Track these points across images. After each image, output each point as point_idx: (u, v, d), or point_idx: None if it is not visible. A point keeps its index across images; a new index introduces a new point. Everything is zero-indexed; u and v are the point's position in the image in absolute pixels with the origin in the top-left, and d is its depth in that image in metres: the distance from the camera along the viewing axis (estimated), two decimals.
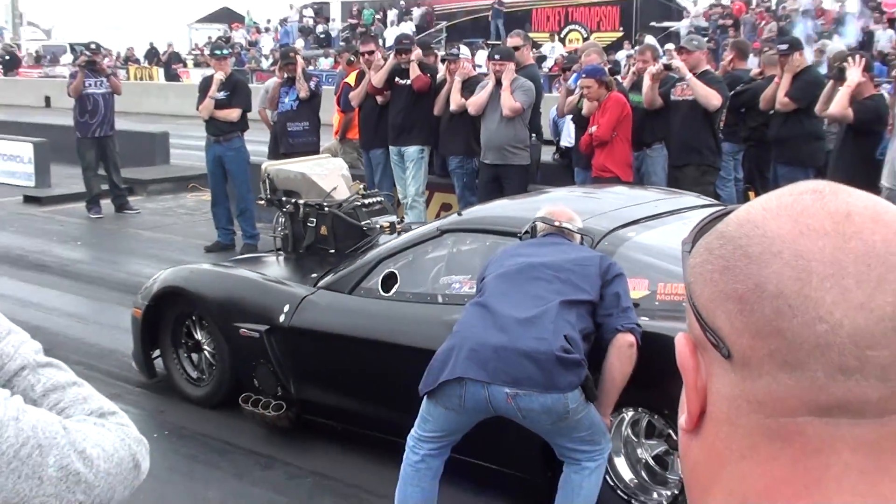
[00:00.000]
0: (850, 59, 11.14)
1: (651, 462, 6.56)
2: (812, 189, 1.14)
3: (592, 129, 12.33)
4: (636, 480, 6.53)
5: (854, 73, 10.68)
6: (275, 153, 15.77)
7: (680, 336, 1.20)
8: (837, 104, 10.65)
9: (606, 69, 13.13)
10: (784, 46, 12.74)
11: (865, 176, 10.35)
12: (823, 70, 13.90)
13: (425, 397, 6.07)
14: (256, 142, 17.49)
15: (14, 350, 2.34)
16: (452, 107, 13.69)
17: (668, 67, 12.64)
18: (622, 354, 5.98)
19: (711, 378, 1.16)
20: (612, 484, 6.50)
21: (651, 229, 7.19)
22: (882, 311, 1.05)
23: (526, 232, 6.70)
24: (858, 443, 1.07)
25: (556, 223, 6.68)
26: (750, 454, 1.12)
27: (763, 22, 41.04)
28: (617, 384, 6.01)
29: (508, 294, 6.16)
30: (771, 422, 1.10)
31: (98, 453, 2.20)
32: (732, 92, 13.15)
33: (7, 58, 62.25)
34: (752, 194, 13.72)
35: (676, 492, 6.31)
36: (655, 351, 6.24)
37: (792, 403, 1.08)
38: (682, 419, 1.20)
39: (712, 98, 11.92)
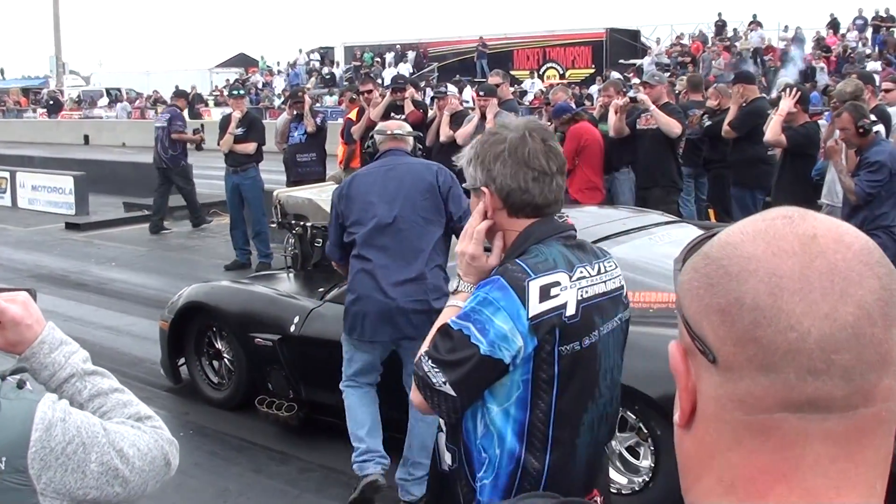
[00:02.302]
0: (784, 90, 11.27)
1: (624, 453, 6.51)
2: (783, 215, 1.19)
3: None
4: (612, 470, 6.46)
5: (784, 104, 10.78)
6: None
7: (672, 344, 1.25)
8: (770, 131, 10.80)
9: (572, 103, 13.19)
10: (731, 78, 12.97)
11: (803, 194, 10.54)
12: None
13: (347, 342, 6.85)
14: (271, 171, 17.48)
15: (65, 360, 2.45)
16: (442, 138, 13.72)
17: (633, 100, 12.71)
18: None
19: (700, 380, 1.20)
20: None
21: (621, 244, 7.14)
22: (844, 321, 1.10)
23: (368, 147, 7.15)
24: (828, 435, 1.12)
25: (389, 132, 7.05)
26: (735, 446, 1.16)
27: (719, 58, 41.24)
28: None
29: (382, 255, 6.56)
30: (752, 418, 1.14)
31: (134, 452, 2.30)
32: (707, 124, 13.27)
33: (51, 102, 62.59)
34: (711, 212, 13.76)
35: (647, 478, 6.27)
36: (629, 353, 6.23)
37: (769, 402, 1.12)
38: (676, 416, 1.26)
39: (674, 127, 12.01)
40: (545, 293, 3.10)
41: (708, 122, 13.40)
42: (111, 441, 2.25)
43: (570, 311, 3.16)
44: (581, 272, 3.27)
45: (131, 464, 2.28)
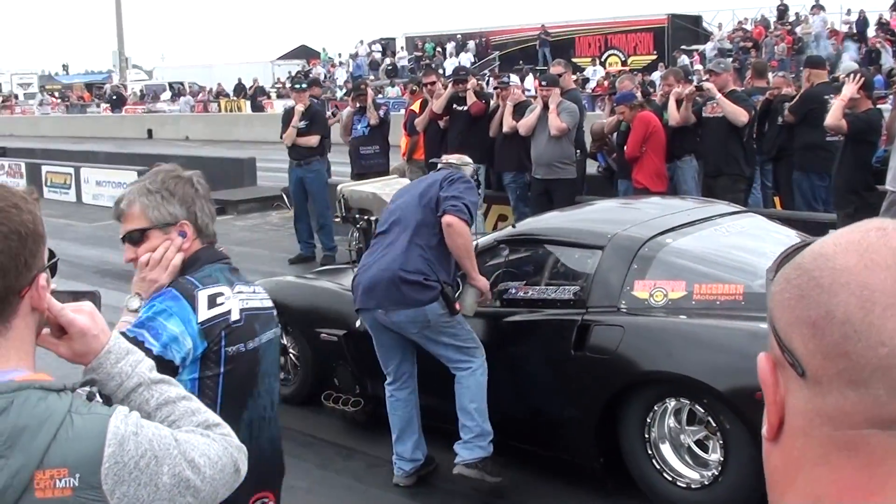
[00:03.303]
0: (848, 76, 11.11)
1: (693, 446, 6.47)
2: (877, 227, 1.17)
3: (625, 147, 12.48)
4: (680, 464, 6.44)
5: (847, 89, 10.61)
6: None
7: (762, 356, 1.22)
8: (831, 116, 10.61)
9: (638, 93, 13.13)
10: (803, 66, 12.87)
11: (863, 181, 10.57)
12: None
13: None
14: (337, 163, 17.51)
15: (132, 369, 2.42)
16: (505, 128, 13.75)
17: (699, 88, 12.64)
18: (447, 233, 6.70)
19: (788, 393, 1.19)
20: (658, 467, 6.43)
21: (686, 235, 7.10)
22: None
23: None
24: None
25: (446, 161, 7.53)
26: (822, 462, 1.14)
27: (781, 43, 40.81)
28: (460, 255, 6.81)
29: (383, 236, 7.06)
30: (840, 434, 1.12)
31: (205, 462, 2.30)
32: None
33: (115, 97, 63.15)
34: (777, 199, 13.65)
35: (716, 472, 6.20)
36: (695, 345, 6.22)
37: (857, 418, 1.10)
38: (764, 430, 1.23)
39: (740, 115, 11.94)
40: (212, 301, 3.49)
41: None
42: (182, 452, 2.24)
43: (235, 316, 3.54)
44: (239, 288, 3.65)
45: (202, 473, 2.27)
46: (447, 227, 6.67)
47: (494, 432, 6.94)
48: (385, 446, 7.77)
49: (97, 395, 2.27)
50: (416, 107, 16.08)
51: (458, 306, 6.82)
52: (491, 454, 6.81)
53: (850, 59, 29.30)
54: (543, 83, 13.37)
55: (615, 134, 13.62)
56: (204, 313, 3.46)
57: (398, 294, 6.71)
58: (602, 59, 48.40)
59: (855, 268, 1.12)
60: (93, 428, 2.13)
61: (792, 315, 1.16)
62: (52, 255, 2.28)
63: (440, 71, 28.72)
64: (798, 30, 42.37)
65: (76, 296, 2.44)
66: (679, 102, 12.68)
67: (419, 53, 54.91)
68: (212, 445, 2.36)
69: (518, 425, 7.10)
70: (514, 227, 8.13)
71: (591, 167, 15.95)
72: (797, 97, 12.33)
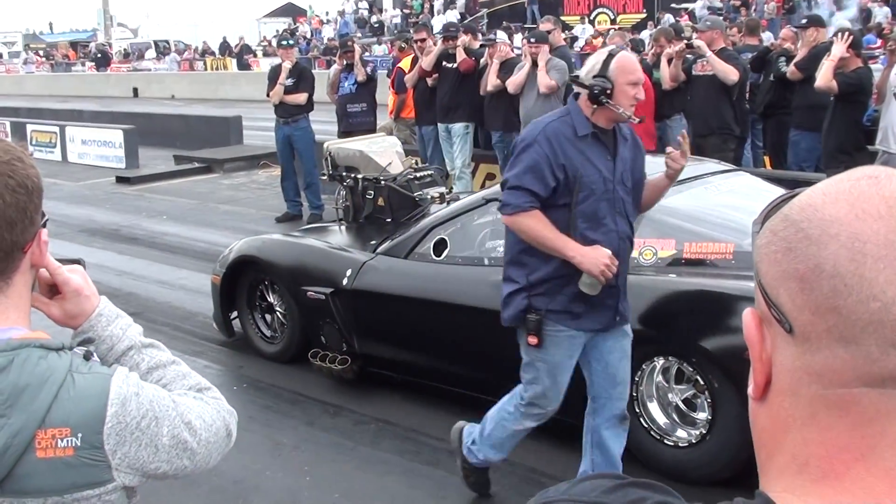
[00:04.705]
0: (836, 35, 11.08)
1: (681, 405, 6.49)
2: (868, 175, 1.12)
3: None
4: (668, 422, 6.47)
5: (837, 49, 10.59)
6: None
7: (747, 311, 1.18)
8: (822, 76, 10.59)
9: (628, 50, 13.04)
10: (804, 21, 12.80)
11: (854, 140, 10.59)
12: None
13: None
14: (322, 122, 17.47)
15: (122, 332, 2.40)
16: (489, 87, 13.68)
17: (689, 46, 12.59)
18: (512, 230, 5.52)
19: (775, 351, 1.14)
20: (645, 426, 6.46)
21: (677, 194, 7.03)
22: None
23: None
24: None
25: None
26: (811, 422, 1.11)
27: (771, 2, 40.71)
28: (538, 244, 5.37)
29: None
30: (829, 393, 1.08)
31: (200, 424, 2.29)
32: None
33: (100, 56, 62.90)
34: (767, 159, 13.63)
35: (704, 431, 6.22)
36: (684, 303, 6.23)
37: (848, 376, 1.06)
38: (750, 389, 1.19)
39: (730, 73, 11.91)
40: None
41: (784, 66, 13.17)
42: (180, 413, 2.24)
43: None
44: None
45: (199, 436, 2.27)
46: (507, 226, 5.59)
47: (480, 390, 6.98)
48: (372, 404, 7.81)
49: (93, 354, 2.24)
50: (403, 64, 16.02)
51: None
52: (484, 469, 6.30)
53: (847, 18, 29.23)
54: (532, 40, 13.29)
55: None
56: None
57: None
58: (591, 18, 48.16)
59: (845, 218, 1.06)
60: (95, 387, 2.13)
61: (779, 269, 1.11)
62: (41, 214, 2.25)
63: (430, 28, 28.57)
64: None
65: (62, 263, 2.42)
66: (669, 60, 12.66)
67: (407, 10, 54.64)
68: (205, 408, 2.35)
69: (506, 383, 7.09)
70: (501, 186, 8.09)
71: None
72: (805, 54, 12.19)
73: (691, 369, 6.26)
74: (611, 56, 5.42)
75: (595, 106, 5.37)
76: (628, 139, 5.64)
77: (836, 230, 1.07)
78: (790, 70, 12.27)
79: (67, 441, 2.06)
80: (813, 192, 1.13)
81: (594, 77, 5.36)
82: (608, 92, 5.33)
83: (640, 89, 5.48)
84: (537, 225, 5.33)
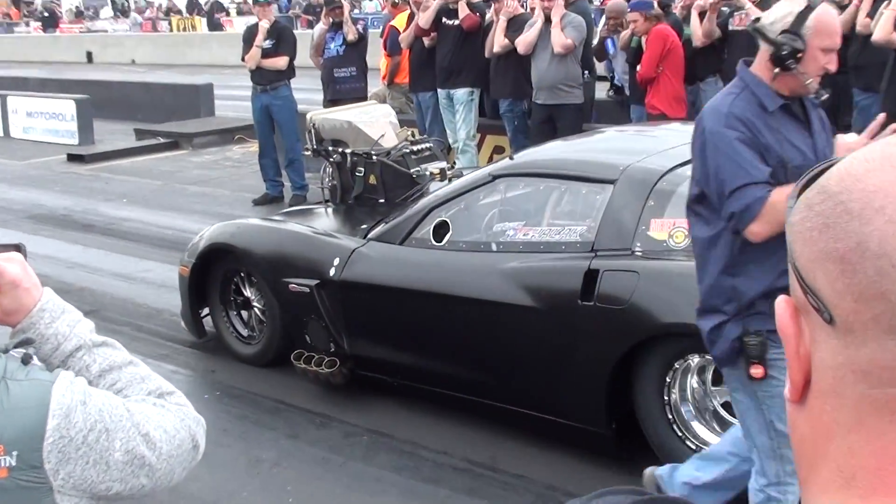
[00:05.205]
0: None
1: (721, 411, 6.49)
2: None
3: (638, 66, 12.37)
4: (705, 431, 6.46)
5: None
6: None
7: (781, 299, 1.12)
8: (880, 29, 10.42)
9: (655, 2, 12.97)
10: None
11: None
12: None
13: None
14: (305, 89, 17.43)
15: (70, 330, 2.34)
16: (496, 48, 13.66)
17: None
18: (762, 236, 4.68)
19: (815, 345, 1.08)
20: (679, 435, 6.45)
21: None
22: None
23: None
24: None
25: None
26: (857, 428, 1.04)
27: None
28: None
29: None
30: (878, 392, 1.02)
31: (160, 435, 2.25)
32: None
33: (47, 14, 62.67)
34: None
35: None
36: None
37: None
38: (787, 390, 1.13)
39: None
40: None
41: None
42: (136, 424, 2.17)
43: None
44: None
45: (158, 449, 2.21)
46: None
47: (487, 395, 7.00)
48: (364, 413, 7.81)
49: (33, 357, 2.20)
50: (397, 22, 16.00)
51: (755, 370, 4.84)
52: None
53: None
54: None
55: (626, 52, 13.54)
56: None
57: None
58: None
59: (891, 188, 1.01)
60: (33, 396, 2.08)
61: (815, 249, 1.05)
62: None
63: None
64: None
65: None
66: (702, 15, 12.59)
67: None
68: (167, 417, 2.30)
69: (517, 386, 7.10)
70: (511, 159, 8.08)
71: (601, 91, 15.92)
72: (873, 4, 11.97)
73: None
74: (809, 9, 4.72)
75: (777, 70, 4.74)
76: (816, 108, 5.05)
77: (882, 202, 1.01)
78: (861, 21, 12.03)
79: (1, 460, 2.02)
80: (853, 160, 1.08)
81: (783, 32, 4.71)
82: (798, 55, 4.68)
83: (834, 59, 4.76)
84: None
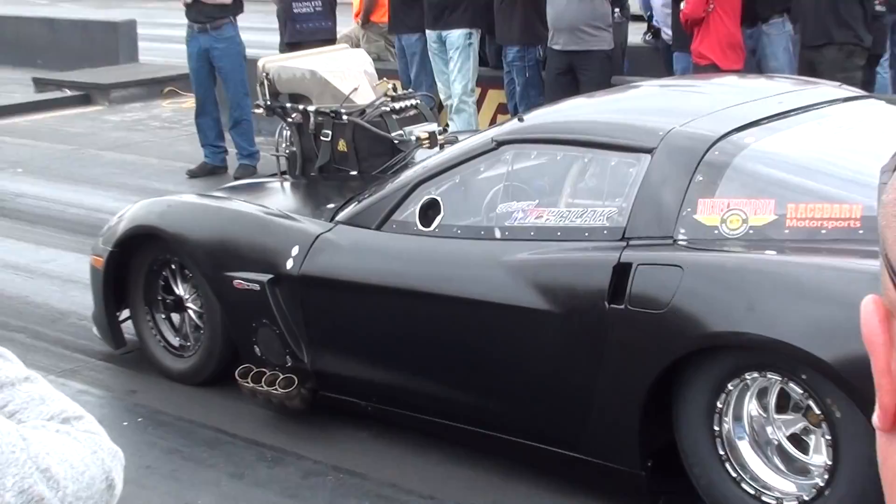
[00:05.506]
0: None
1: (786, 444, 6.47)
2: None
3: (682, 3, 12.37)
4: (767, 469, 6.47)
5: None
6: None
7: (868, 300, 1.13)
8: None
9: None
10: None
11: None
12: None
13: None
14: (256, 29, 17.43)
15: None
16: None
17: None
18: None
19: None
20: (734, 475, 6.44)
21: (777, 132, 7.08)
22: None
23: None
24: None
25: None
26: None
27: None
28: None
29: None
30: None
31: (65, 472, 2.18)
32: None
33: None
34: None
35: (821, 483, 6.21)
36: (787, 293, 6.23)
37: None
38: (876, 416, 1.13)
39: None
40: None
41: None
42: (33, 457, 2.13)
43: None
44: None
45: (62, 489, 2.17)
46: None
47: (488, 424, 7.02)
48: (329, 447, 7.83)
49: None
50: None
51: None
52: None
53: None
54: None
55: None
56: None
57: None
58: None
59: None
60: None
61: None
62: None
63: None
64: None
65: None
66: None
67: None
68: (74, 449, 2.24)
69: (526, 413, 7.12)
70: (520, 120, 8.07)
71: (635, 34, 15.93)
72: None
73: (801, 391, 6.24)
74: None
75: None
76: None
77: None
78: None
79: None
80: None
81: None
82: None
83: None
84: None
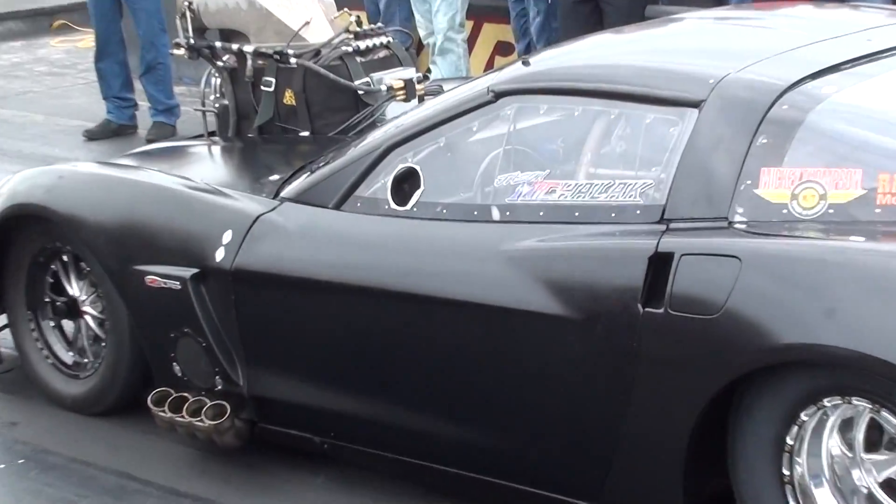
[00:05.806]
0: None
1: (877, 493, 6.38)
2: None
3: None
4: None
5: None
6: None
7: None
8: None
9: None
10: None
11: None
12: None
13: None
14: None
15: None
16: None
17: None
18: None
19: None
20: None
21: (865, 80, 7.00)
22: None
23: None
24: None
25: None
26: None
27: None
28: None
29: None
30: None
31: None
32: None
33: None
34: None
35: None
36: (878, 293, 6.13)
37: None
38: None
39: None
40: None
41: None
42: None
43: None
44: None
45: None
46: None
47: (485, 468, 6.95)
48: (273, 497, 7.75)
49: None
50: None
51: None
52: None
53: None
54: None
55: None
56: None
57: None
58: None
59: None
60: None
61: None
62: None
63: None
64: None
65: None
66: None
67: None
68: None
69: (536, 452, 7.05)
70: (525, 64, 7.99)
71: None
72: None
73: None
74: None
75: None
76: None
77: None
78: None
79: None
80: None
81: None
82: None
83: None
84: None
